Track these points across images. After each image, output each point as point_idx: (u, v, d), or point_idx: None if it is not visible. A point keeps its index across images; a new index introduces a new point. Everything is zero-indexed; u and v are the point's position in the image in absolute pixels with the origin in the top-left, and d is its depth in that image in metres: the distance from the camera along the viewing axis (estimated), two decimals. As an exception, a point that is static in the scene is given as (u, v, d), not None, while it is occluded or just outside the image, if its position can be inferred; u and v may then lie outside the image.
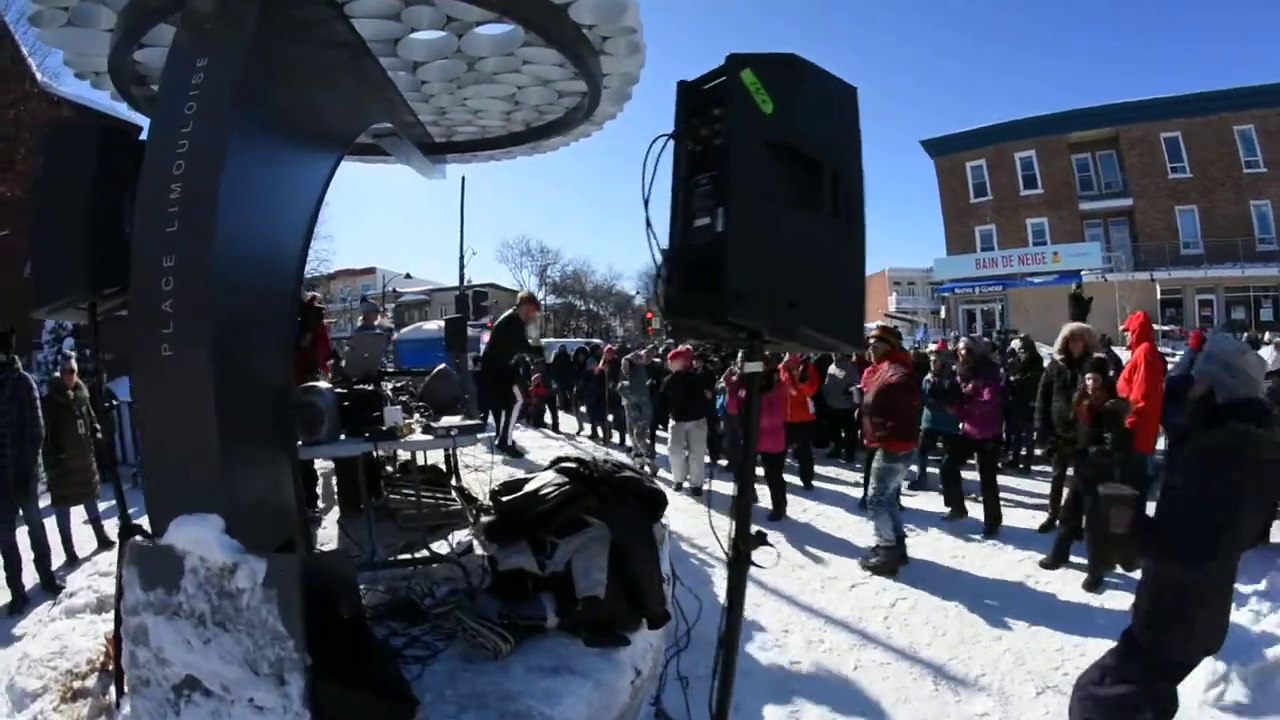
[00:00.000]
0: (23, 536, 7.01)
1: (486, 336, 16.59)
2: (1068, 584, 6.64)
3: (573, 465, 4.41)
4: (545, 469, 4.56)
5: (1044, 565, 6.95)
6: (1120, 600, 5.92)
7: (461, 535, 5.74)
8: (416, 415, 5.27)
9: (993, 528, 8.09)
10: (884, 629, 5.93)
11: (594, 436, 14.89)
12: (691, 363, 10.22)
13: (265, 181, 3.66)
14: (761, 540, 2.80)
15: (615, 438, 14.69)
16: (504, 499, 4.27)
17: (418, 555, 5.11)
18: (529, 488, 4.26)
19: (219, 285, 3.22)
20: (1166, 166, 32.64)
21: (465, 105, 7.14)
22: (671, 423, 10.15)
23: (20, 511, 7.00)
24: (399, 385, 6.13)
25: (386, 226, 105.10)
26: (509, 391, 9.79)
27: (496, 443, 9.87)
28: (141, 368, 3.26)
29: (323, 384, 4.94)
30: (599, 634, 3.95)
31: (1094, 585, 6.48)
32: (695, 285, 2.51)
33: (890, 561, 6.83)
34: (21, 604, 6.70)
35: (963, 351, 8.73)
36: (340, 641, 3.03)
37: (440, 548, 5.28)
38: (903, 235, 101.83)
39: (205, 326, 3.16)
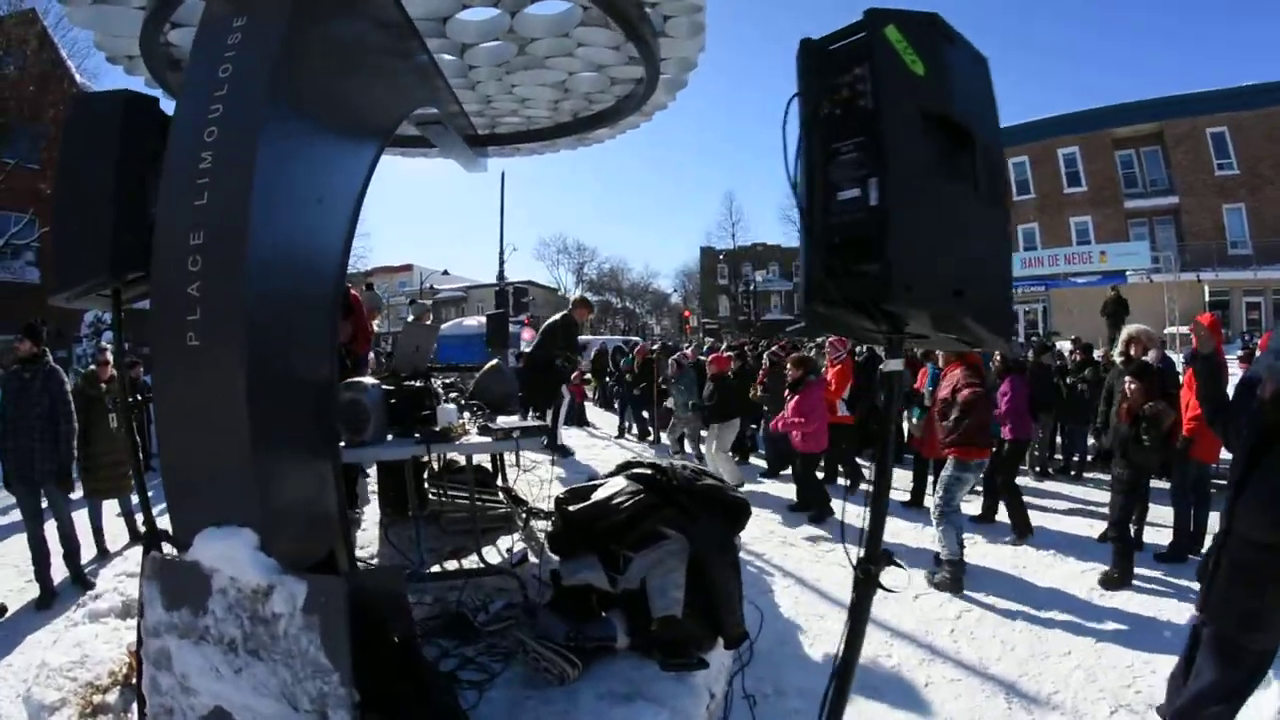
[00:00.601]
0: (52, 531, 6.85)
1: (526, 334, 16.52)
2: (1132, 597, 6.35)
3: (648, 472, 4.01)
4: (614, 474, 4.19)
5: (1104, 584, 6.57)
6: (1184, 612, 5.72)
7: (511, 541, 5.47)
8: (469, 414, 4.90)
9: (1022, 534, 7.86)
10: (951, 643, 5.62)
11: (642, 436, 14.59)
12: (729, 365, 10.04)
13: (306, 159, 3.32)
14: (890, 560, 2.53)
15: (651, 436, 14.38)
16: (571, 508, 3.92)
17: (468, 566, 4.80)
18: (598, 496, 3.91)
19: (254, 268, 2.84)
20: (1213, 163, 31.27)
21: (512, 93, 6.89)
22: (711, 425, 9.96)
23: (49, 505, 6.85)
24: (448, 381, 5.75)
25: (423, 223, 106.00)
26: (556, 389, 9.61)
27: (545, 442, 9.74)
28: (164, 359, 2.93)
29: (368, 379, 4.50)
30: (675, 656, 3.57)
31: (1113, 584, 6.47)
32: (840, 268, 2.20)
33: (956, 577, 6.49)
34: (50, 599, 6.55)
35: (997, 356, 8.57)
36: (389, 666, 2.73)
37: (488, 554, 4.99)
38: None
39: (237, 314, 2.79)
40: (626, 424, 15.30)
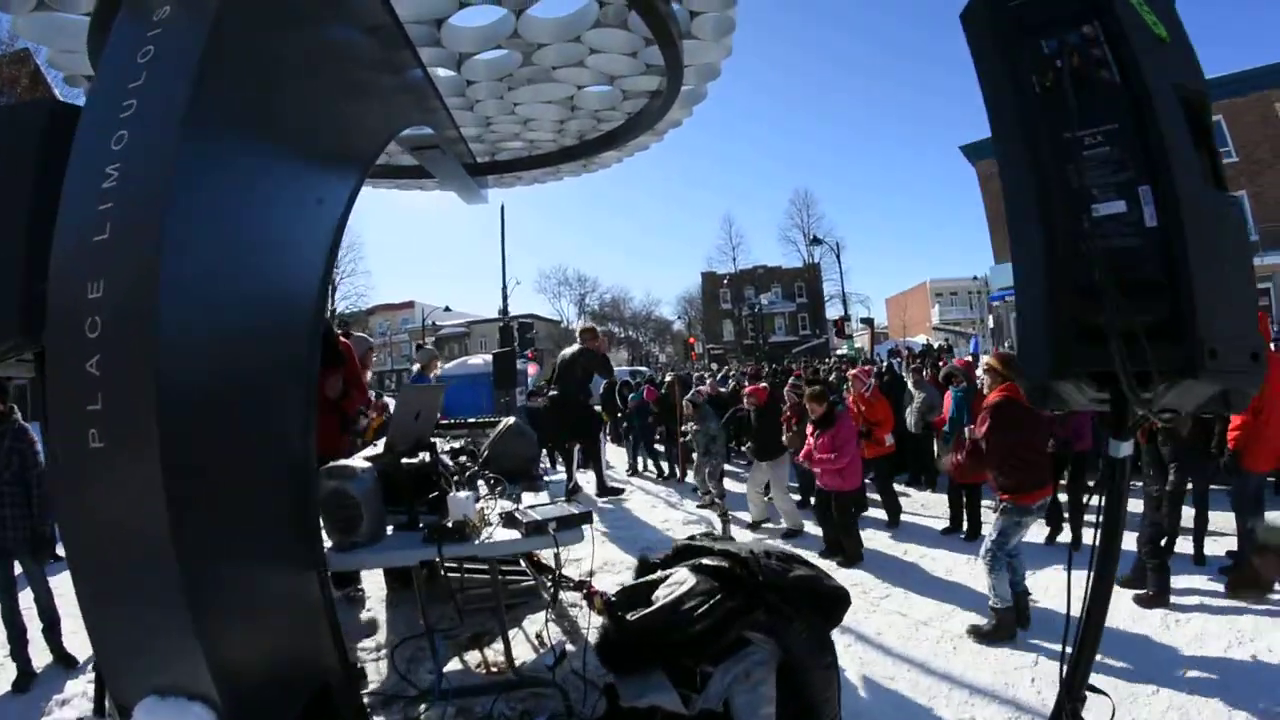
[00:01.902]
0: (29, 603, 6.16)
1: (533, 369, 15.98)
2: (1207, 623, 5.79)
3: (723, 565, 3.15)
4: (672, 558, 3.36)
5: (1139, 602, 6.08)
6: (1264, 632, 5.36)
7: (543, 623, 4.73)
8: (486, 491, 4.01)
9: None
10: (1036, 696, 4.95)
11: (660, 475, 13.86)
12: (768, 398, 9.35)
13: (255, 183, 2.58)
14: (1093, 689, 2.09)
15: (662, 470, 13.65)
16: (630, 616, 3.07)
17: (493, 658, 4.02)
18: (663, 599, 3.09)
19: (177, 329, 2.07)
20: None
21: (515, 113, 6.30)
22: (753, 461, 9.25)
23: (24, 574, 6.15)
24: (456, 447, 4.79)
25: (423, 259, 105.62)
26: (590, 431, 9.15)
27: (595, 491, 9.61)
28: (63, 469, 2.14)
29: (358, 461, 3.57)
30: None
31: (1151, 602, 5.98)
32: (1092, 320, 1.53)
33: (1005, 627, 5.79)
34: (28, 680, 5.82)
35: None
36: None
37: (516, 642, 4.25)
38: (942, 246, 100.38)
39: (150, 401, 1.98)
40: (640, 460, 14.58)
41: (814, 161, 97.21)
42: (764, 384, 9.70)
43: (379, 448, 4.11)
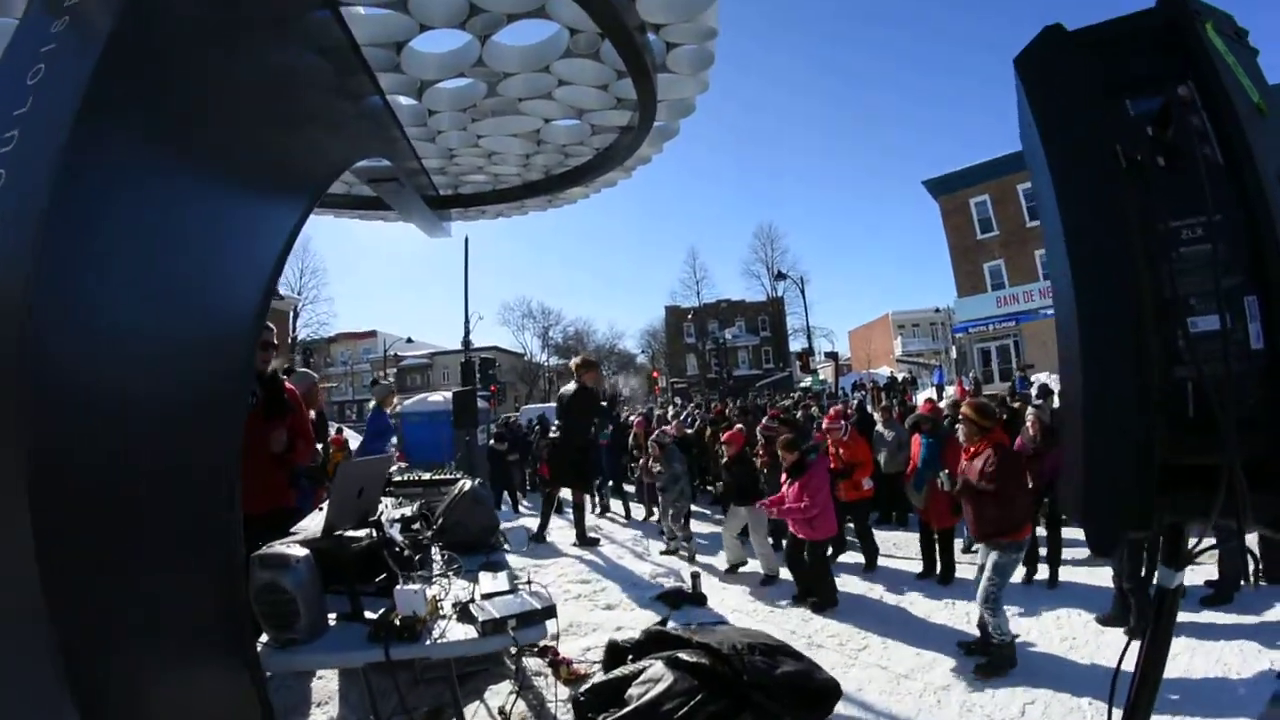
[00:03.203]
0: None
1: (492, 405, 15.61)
2: (1195, 652, 5.73)
3: (704, 661, 2.84)
4: (648, 651, 3.01)
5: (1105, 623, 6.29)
6: (1249, 662, 5.39)
7: (509, 695, 4.37)
8: (440, 572, 3.57)
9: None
10: None
11: (629, 516, 13.45)
12: (745, 443, 9.12)
13: (164, 221, 2.20)
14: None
15: (629, 511, 13.28)
16: (601, 718, 2.77)
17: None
18: (638, 698, 2.78)
19: (50, 378, 1.71)
20: None
21: (478, 146, 6.00)
22: (731, 506, 9.00)
23: None
24: (408, 511, 4.29)
25: (386, 288, 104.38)
26: (583, 477, 9.35)
27: (575, 539, 9.43)
28: None
29: (292, 548, 3.03)
30: None
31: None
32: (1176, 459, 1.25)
33: (1006, 662, 5.69)
34: None
35: (1030, 424, 8.08)
36: None
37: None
38: (904, 278, 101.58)
39: (20, 462, 1.62)
40: (605, 499, 14.17)
41: (777, 194, 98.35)
42: (739, 427, 9.44)
43: (321, 516, 3.71)
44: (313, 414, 6.42)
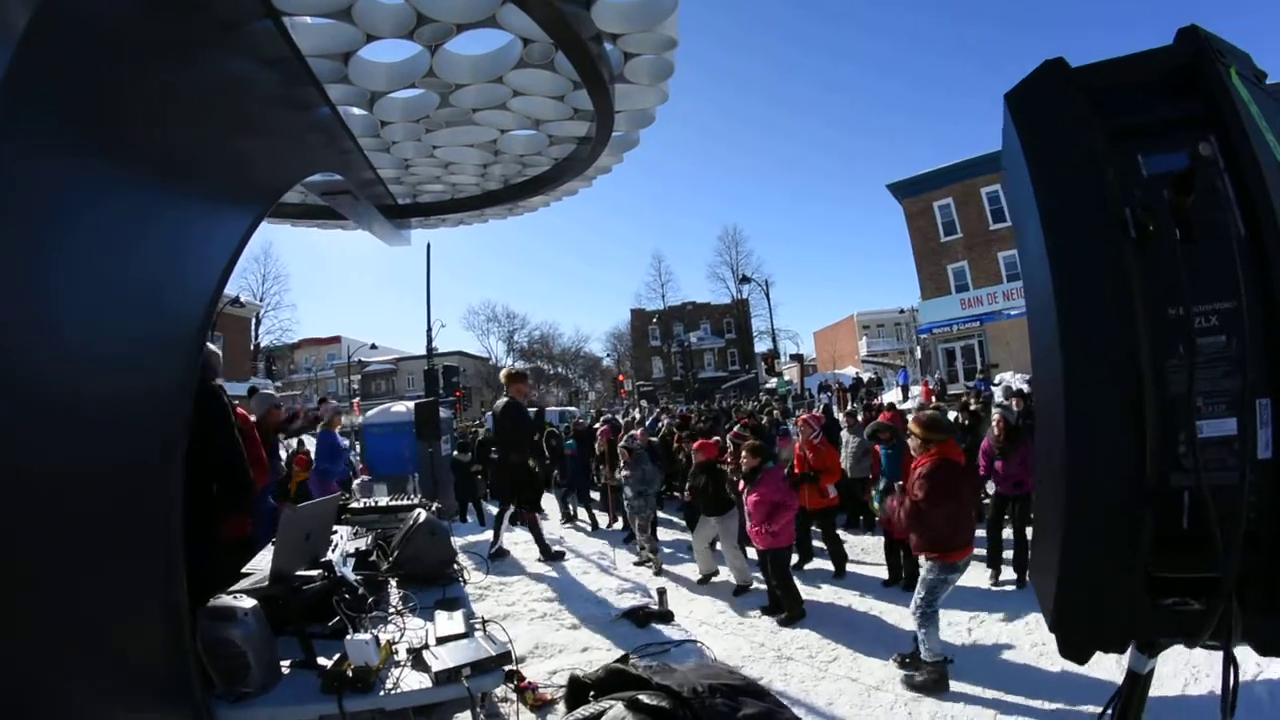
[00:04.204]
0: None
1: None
2: (1161, 670, 5.60)
3: (663, 704, 2.67)
4: (610, 689, 2.89)
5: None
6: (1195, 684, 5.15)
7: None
8: (396, 614, 3.44)
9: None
10: None
11: (595, 526, 13.27)
12: (717, 450, 9.00)
13: (84, 230, 2.04)
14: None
15: (595, 520, 13.14)
16: None
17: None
18: None
19: None
20: None
21: (434, 156, 5.85)
22: (701, 516, 8.88)
23: None
24: (363, 544, 4.21)
25: (350, 292, 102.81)
26: (529, 496, 8.95)
27: (538, 555, 9.09)
28: None
29: (241, 600, 2.86)
30: None
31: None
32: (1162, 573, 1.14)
33: (941, 677, 5.62)
34: None
35: (997, 424, 8.09)
36: None
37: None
38: (869, 279, 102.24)
39: None
40: (571, 510, 14.00)
41: (743, 196, 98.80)
42: (715, 439, 9.33)
43: (268, 560, 3.55)
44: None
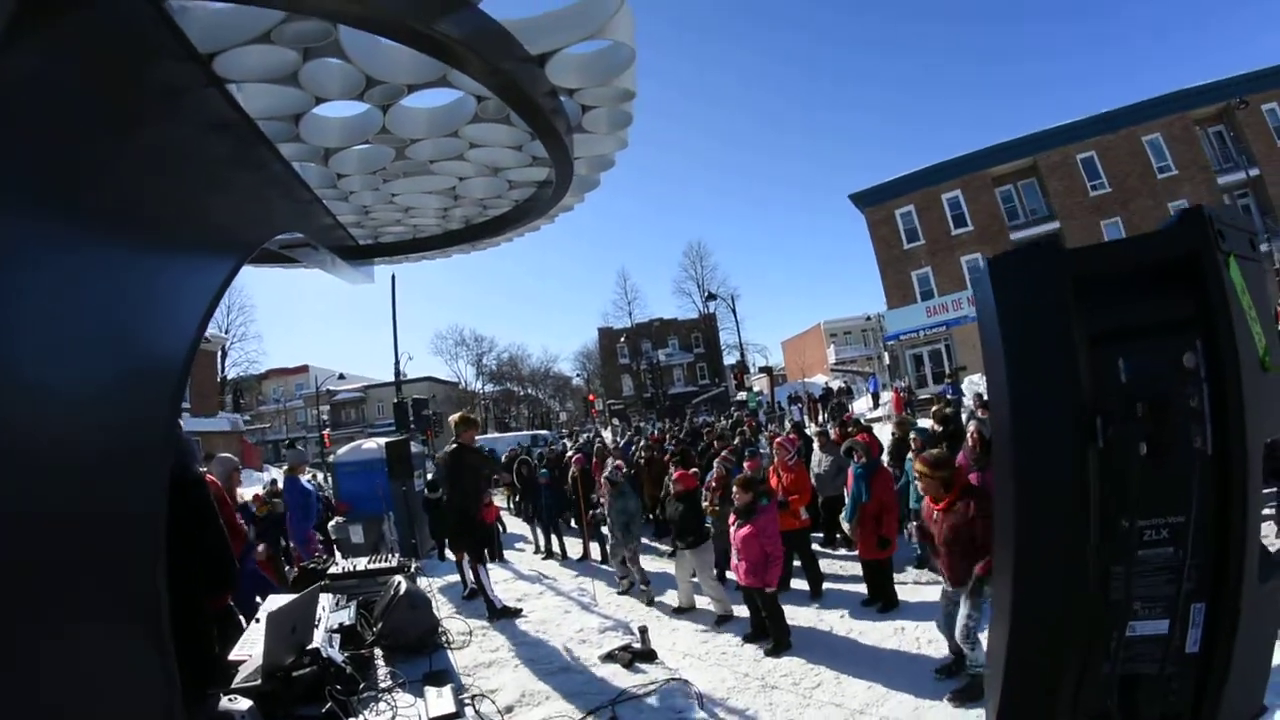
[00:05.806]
0: None
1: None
2: None
3: None
4: None
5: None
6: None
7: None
8: (386, 686, 3.45)
9: None
10: None
11: (564, 556, 13.07)
12: (695, 482, 8.95)
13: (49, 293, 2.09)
14: None
15: (565, 550, 13.09)
16: None
17: None
18: None
19: None
20: (1086, 185, 33.75)
21: (394, 202, 5.81)
22: (678, 547, 8.81)
23: None
24: (346, 618, 4.13)
25: (317, 321, 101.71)
26: (475, 547, 8.40)
27: (489, 609, 8.41)
28: None
29: (237, 702, 2.92)
30: None
31: None
32: None
33: (981, 690, 5.65)
34: None
35: (972, 435, 7.94)
36: None
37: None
38: (834, 287, 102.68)
39: None
40: (545, 542, 13.77)
41: (704, 210, 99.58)
42: (694, 471, 9.27)
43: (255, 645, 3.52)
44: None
